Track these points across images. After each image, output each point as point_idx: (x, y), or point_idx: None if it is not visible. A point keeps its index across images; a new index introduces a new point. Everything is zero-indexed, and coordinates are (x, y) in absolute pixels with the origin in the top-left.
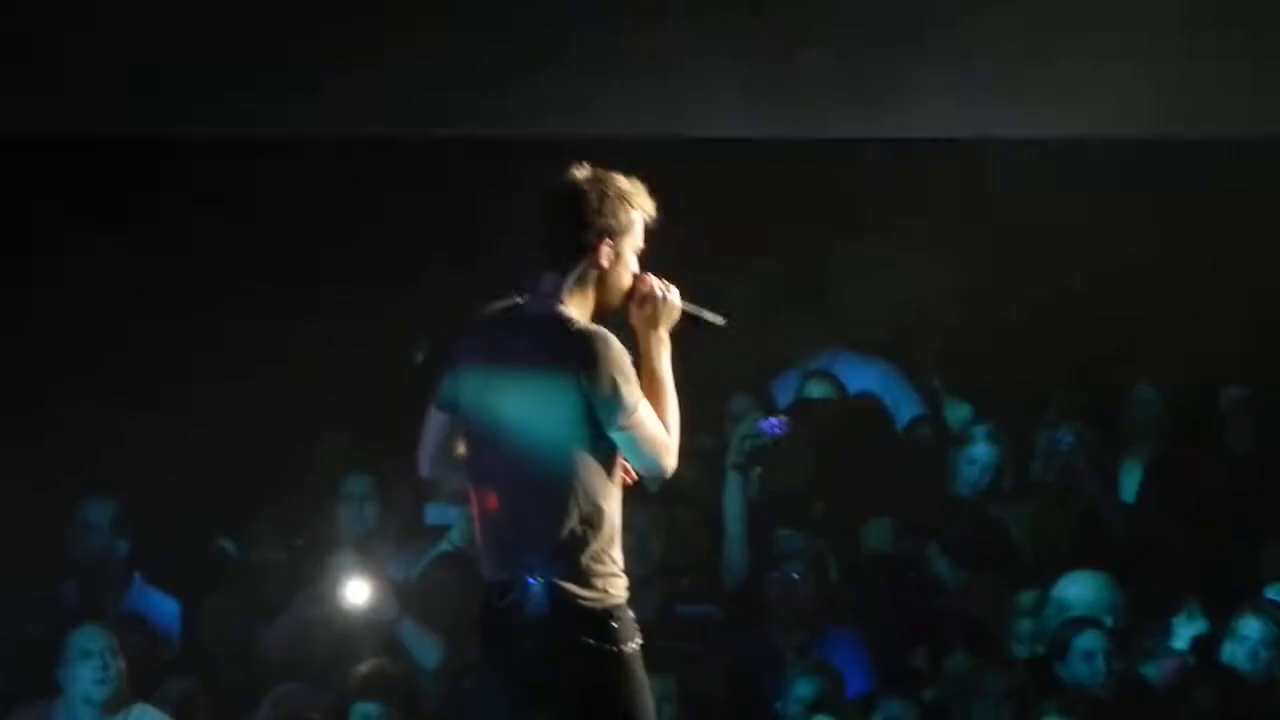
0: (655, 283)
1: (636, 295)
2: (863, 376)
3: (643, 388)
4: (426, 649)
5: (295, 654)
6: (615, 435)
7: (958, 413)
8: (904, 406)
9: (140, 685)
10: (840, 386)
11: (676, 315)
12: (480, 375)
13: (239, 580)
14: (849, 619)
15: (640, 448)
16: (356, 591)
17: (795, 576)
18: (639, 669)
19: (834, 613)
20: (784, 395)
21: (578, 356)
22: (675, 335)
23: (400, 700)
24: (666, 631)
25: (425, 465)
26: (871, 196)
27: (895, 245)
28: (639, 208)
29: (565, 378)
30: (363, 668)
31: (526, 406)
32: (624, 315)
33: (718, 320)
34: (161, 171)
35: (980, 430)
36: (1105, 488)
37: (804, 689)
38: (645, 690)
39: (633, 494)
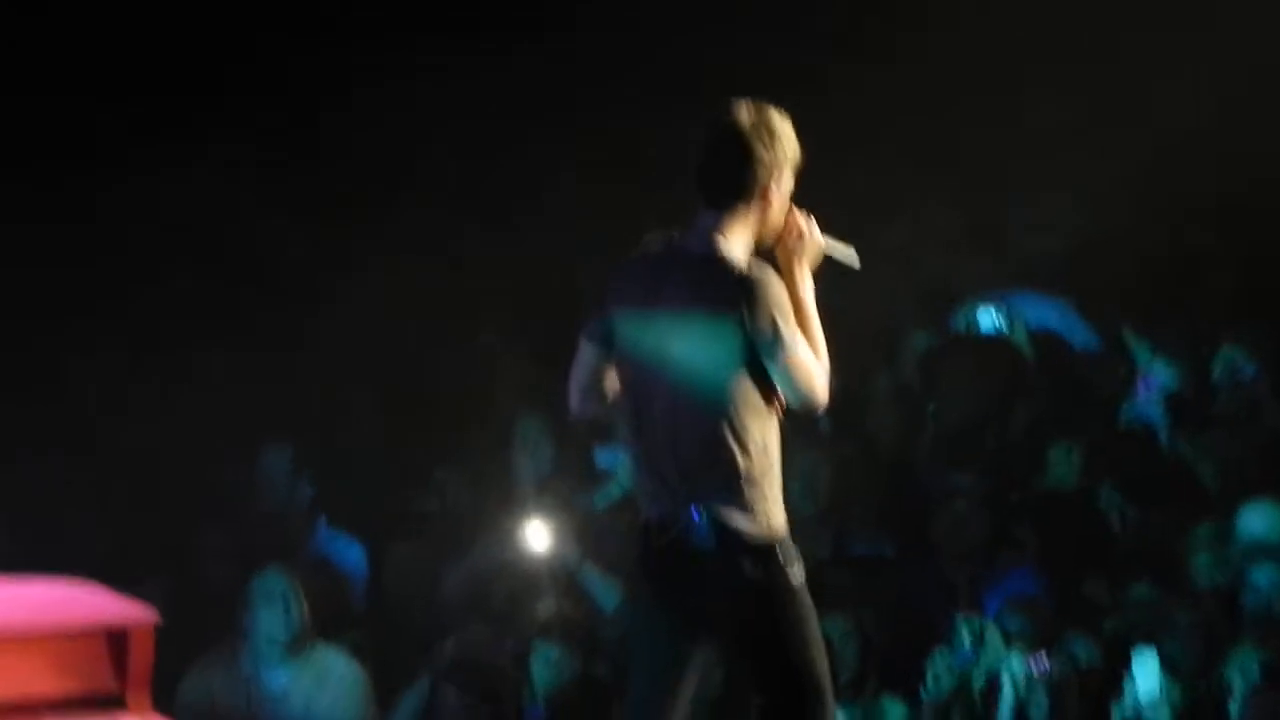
0: (801, 219)
1: (785, 231)
2: (1040, 313)
3: None
4: (607, 592)
5: (477, 597)
6: (773, 371)
7: (1138, 346)
8: (1082, 341)
9: (325, 628)
10: (1014, 320)
11: (819, 251)
12: (639, 313)
13: (422, 525)
14: (1024, 554)
15: (797, 382)
16: (537, 535)
17: (965, 511)
18: (805, 598)
19: (1008, 547)
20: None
21: (740, 295)
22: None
23: (581, 643)
24: (840, 570)
25: (577, 401)
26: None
27: (1067, 180)
28: (793, 143)
29: (727, 316)
30: (543, 610)
31: (688, 344)
32: (770, 250)
33: (852, 259)
34: (326, 99)
35: (1158, 360)
36: None
37: (1010, 623)
38: (813, 619)
39: (801, 432)
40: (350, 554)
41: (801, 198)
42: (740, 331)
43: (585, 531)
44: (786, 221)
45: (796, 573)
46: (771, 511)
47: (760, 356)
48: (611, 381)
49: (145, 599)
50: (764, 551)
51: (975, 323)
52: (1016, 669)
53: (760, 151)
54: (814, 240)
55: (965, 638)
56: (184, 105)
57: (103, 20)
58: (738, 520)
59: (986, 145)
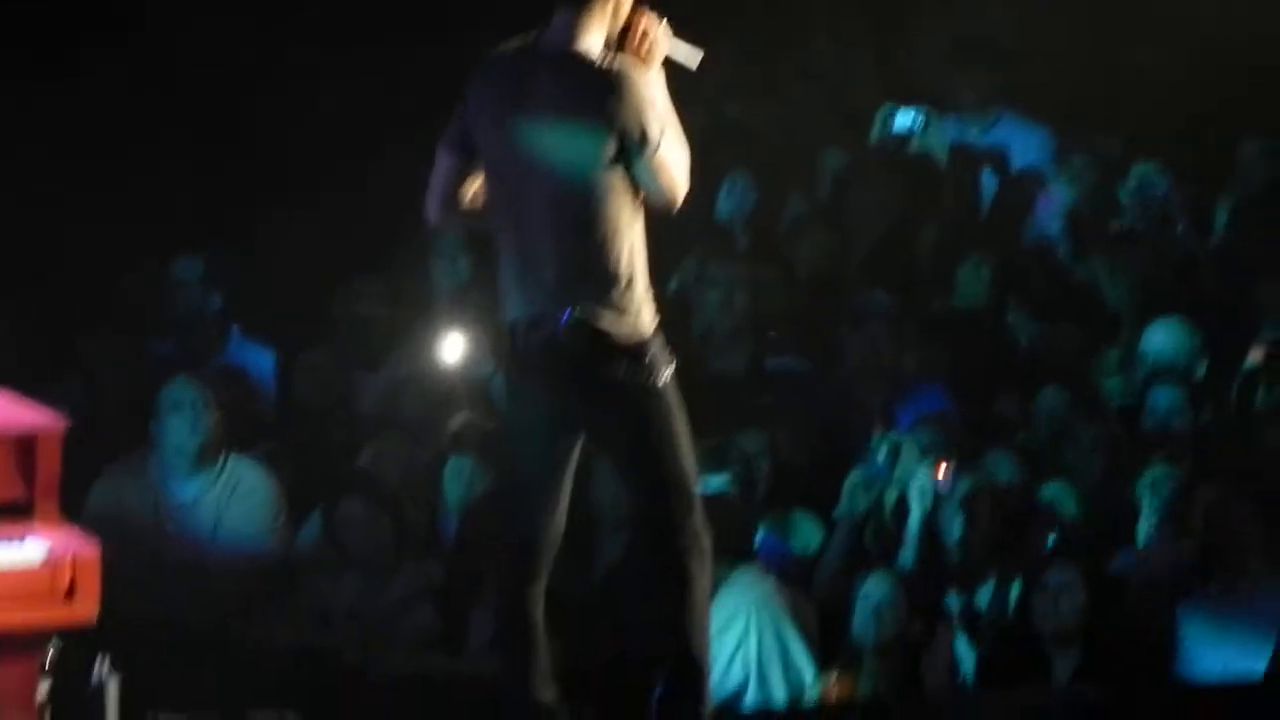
0: (646, 17)
1: (634, 29)
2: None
3: None
4: None
5: (391, 409)
6: (640, 168)
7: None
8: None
9: (237, 438)
10: (930, 125)
11: (665, 49)
12: (503, 116)
13: (337, 333)
14: (937, 372)
15: (660, 179)
16: (452, 346)
17: (879, 331)
18: (672, 398)
19: (921, 366)
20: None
21: (608, 93)
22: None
23: (493, 454)
24: (755, 385)
25: (436, 211)
26: None
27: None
28: None
29: (594, 113)
30: (456, 422)
31: (556, 144)
32: (618, 49)
33: (694, 58)
34: None
35: (1063, 178)
36: (1200, 236)
37: (921, 439)
38: (679, 418)
39: (719, 248)
40: (262, 362)
41: (725, 19)
42: (609, 128)
43: (500, 343)
44: (632, 20)
45: (665, 372)
46: (642, 311)
47: (628, 154)
48: (471, 189)
49: (54, 405)
50: (633, 352)
51: (890, 126)
52: (924, 483)
53: None
54: (659, 38)
55: (881, 453)
56: None
57: None
58: (609, 321)
59: None
